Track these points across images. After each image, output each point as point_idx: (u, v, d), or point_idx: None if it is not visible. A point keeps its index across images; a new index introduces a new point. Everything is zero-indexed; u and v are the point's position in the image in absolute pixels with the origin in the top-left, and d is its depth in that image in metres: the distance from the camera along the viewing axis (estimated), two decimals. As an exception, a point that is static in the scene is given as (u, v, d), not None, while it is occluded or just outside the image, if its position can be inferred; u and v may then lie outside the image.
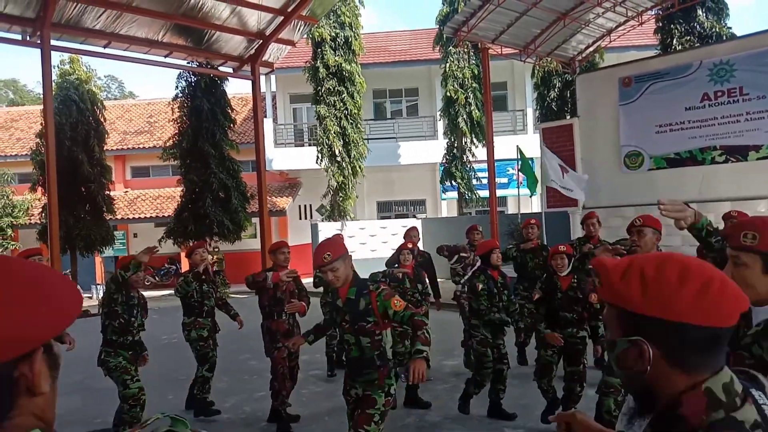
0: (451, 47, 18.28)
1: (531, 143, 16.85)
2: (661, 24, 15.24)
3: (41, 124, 17.02)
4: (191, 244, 16.46)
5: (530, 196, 13.62)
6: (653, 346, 0.99)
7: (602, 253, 4.81)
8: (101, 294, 19.03)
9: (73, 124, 16.26)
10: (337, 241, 3.61)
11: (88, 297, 19.46)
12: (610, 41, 14.64)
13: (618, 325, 1.04)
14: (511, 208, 21.34)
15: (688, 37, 14.62)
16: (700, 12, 14.48)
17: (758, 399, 0.98)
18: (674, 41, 14.75)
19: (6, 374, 0.73)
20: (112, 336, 5.00)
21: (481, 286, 5.38)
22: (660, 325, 0.98)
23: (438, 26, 18.89)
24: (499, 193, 16.93)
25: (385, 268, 6.63)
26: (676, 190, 12.27)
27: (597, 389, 4.50)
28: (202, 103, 16.86)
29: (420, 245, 7.69)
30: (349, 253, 3.50)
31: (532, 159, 13.49)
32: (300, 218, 22.27)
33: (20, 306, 0.74)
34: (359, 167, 18.67)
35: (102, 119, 17.56)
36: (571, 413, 1.28)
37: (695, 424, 0.94)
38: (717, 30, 14.46)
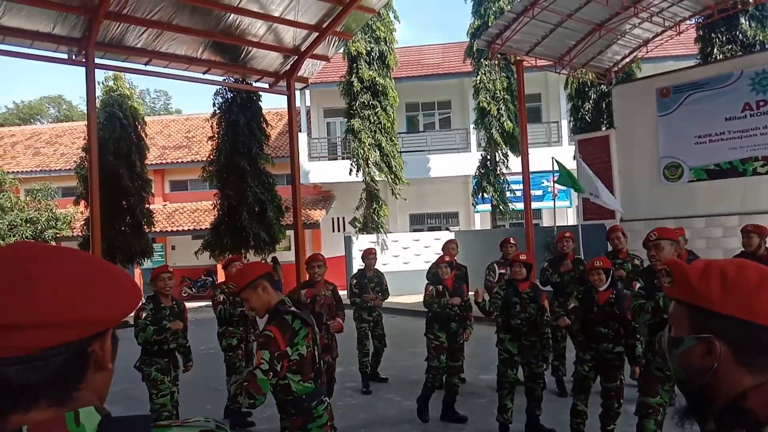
0: (483, 59, 18.27)
1: (566, 155, 16.67)
2: (701, 33, 14.96)
3: (85, 139, 17.60)
4: (228, 256, 16.77)
5: (581, 193, 13.12)
6: (723, 345, 1.02)
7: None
8: (140, 305, 19.46)
9: (116, 139, 16.75)
10: (246, 269, 3.13)
11: (128, 308, 19.91)
12: (647, 52, 14.44)
13: (688, 323, 1.07)
14: (546, 221, 21.10)
15: (730, 46, 14.31)
16: (742, 20, 14.18)
17: None
18: (715, 50, 14.45)
19: (83, 348, 0.81)
20: (146, 346, 5.13)
21: (495, 290, 5.46)
22: (735, 324, 1.01)
23: (469, 39, 18.91)
24: (534, 205, 16.76)
25: (427, 282, 6.61)
26: (717, 203, 12.00)
27: (636, 410, 4.41)
28: (238, 119, 17.19)
29: (456, 257, 7.66)
30: (262, 280, 2.99)
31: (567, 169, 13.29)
32: (333, 231, 22.42)
33: (101, 288, 0.82)
34: (397, 180, 18.73)
35: (143, 135, 18.05)
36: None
37: (761, 416, 0.97)
38: (761, 38, 14.13)
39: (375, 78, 18.15)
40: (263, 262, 19.60)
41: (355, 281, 7.68)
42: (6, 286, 0.76)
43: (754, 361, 1.01)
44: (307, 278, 5.92)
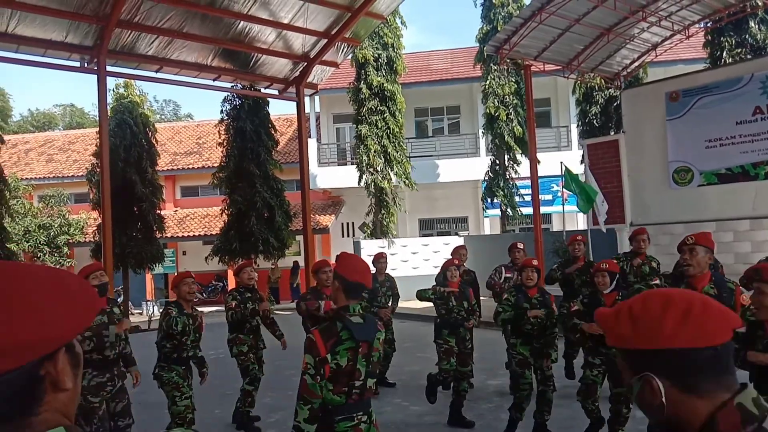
0: (492, 64, 18.30)
1: (575, 159, 16.64)
2: (710, 37, 14.91)
3: (97, 146, 17.80)
4: (238, 261, 16.85)
5: (584, 213, 13.16)
6: (661, 378, 1.02)
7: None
8: (151, 310, 19.60)
9: (127, 146, 16.92)
10: (353, 262, 3.06)
11: (139, 313, 20.06)
12: (656, 56, 14.39)
13: (627, 367, 1.09)
14: (556, 226, 21.03)
15: (740, 50, 14.24)
16: (752, 24, 14.11)
17: None
18: (724, 54, 14.39)
19: (33, 372, 0.78)
20: (165, 353, 5.12)
21: (505, 295, 5.44)
22: (656, 355, 1.03)
23: (478, 44, 18.95)
24: (544, 210, 16.71)
25: (435, 284, 6.64)
26: (728, 207, 11.91)
27: (648, 427, 4.39)
28: (246, 125, 17.32)
29: (465, 262, 7.67)
30: (342, 282, 2.92)
31: (577, 175, 13.27)
32: (343, 236, 22.47)
33: (42, 309, 0.78)
34: (405, 183, 18.76)
35: (154, 141, 18.22)
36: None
37: None
38: (771, 41, 14.07)
39: (383, 84, 18.23)
40: (271, 267, 19.74)
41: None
42: None
43: (698, 385, 1.01)
44: (315, 284, 5.95)
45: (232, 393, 6.95)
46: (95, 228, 18.14)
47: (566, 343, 6.87)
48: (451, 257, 6.89)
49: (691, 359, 1.01)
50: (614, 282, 4.94)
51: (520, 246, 7.62)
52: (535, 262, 5.47)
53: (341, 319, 2.81)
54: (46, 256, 20.15)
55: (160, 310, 21.12)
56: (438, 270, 8.00)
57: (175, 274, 21.88)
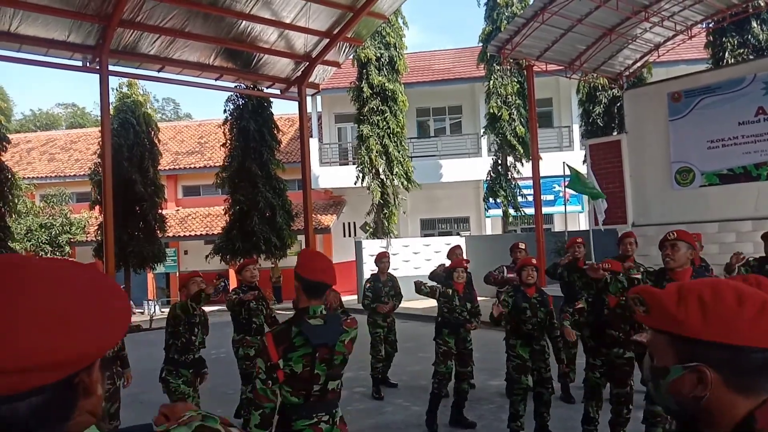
0: (495, 64, 18.28)
1: (577, 159, 16.62)
2: (712, 38, 14.89)
3: (99, 144, 17.81)
4: (240, 260, 16.85)
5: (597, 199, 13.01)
6: (713, 372, 0.98)
7: (590, 271, 4.73)
8: (152, 310, 19.62)
9: (130, 145, 16.95)
10: (315, 260, 2.99)
11: (140, 312, 20.08)
12: (659, 56, 14.37)
13: (671, 351, 1.02)
14: (557, 226, 21.02)
15: (742, 50, 14.22)
16: (754, 24, 14.09)
17: None
18: (726, 54, 14.37)
19: (67, 385, 0.79)
20: (174, 354, 5.05)
21: (503, 297, 5.40)
22: (721, 349, 0.97)
23: (481, 44, 18.94)
24: (546, 210, 16.70)
25: (430, 280, 6.61)
26: (731, 207, 11.90)
27: (643, 419, 4.39)
28: (249, 125, 17.33)
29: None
30: (300, 282, 2.85)
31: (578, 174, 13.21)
32: (344, 236, 22.48)
33: (88, 320, 0.79)
34: (404, 184, 18.74)
35: (156, 141, 18.23)
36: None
37: None
38: (773, 42, 14.05)
39: (385, 84, 18.21)
40: (272, 267, 19.75)
41: (368, 285, 7.67)
42: None
43: (746, 384, 0.98)
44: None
45: (233, 393, 6.96)
46: (97, 227, 18.17)
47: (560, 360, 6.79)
48: (448, 258, 6.88)
49: (753, 359, 0.96)
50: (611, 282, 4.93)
51: (522, 246, 7.60)
52: (534, 261, 5.47)
53: (298, 323, 2.68)
54: (48, 255, 20.18)
55: (162, 310, 21.14)
56: (434, 268, 8.02)
57: (177, 273, 21.93)
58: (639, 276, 5.38)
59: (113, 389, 4.77)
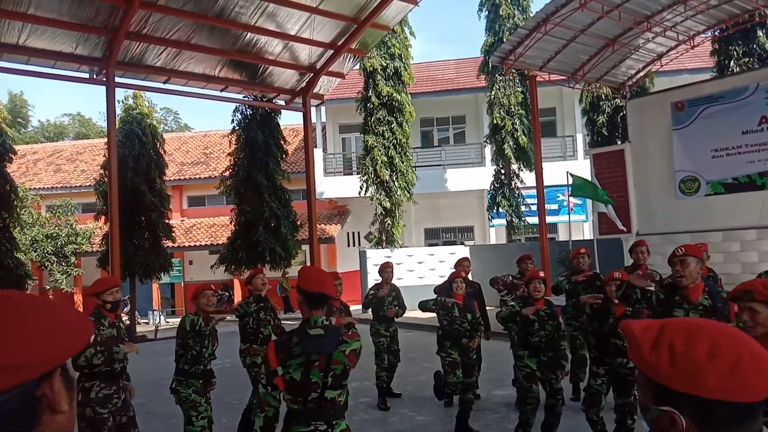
0: (497, 75, 18.36)
1: (581, 169, 16.64)
2: (717, 46, 14.93)
3: (105, 155, 17.93)
4: (246, 271, 16.86)
5: (608, 205, 12.90)
6: (685, 417, 0.99)
7: (636, 280, 4.69)
8: (157, 320, 19.66)
9: (136, 156, 17.06)
10: (317, 278, 3.18)
11: (145, 322, 20.12)
12: (662, 65, 14.42)
13: (650, 391, 1.04)
14: (562, 235, 21.01)
15: (747, 59, 14.26)
16: (760, 33, 14.13)
17: None
18: (732, 63, 14.40)
19: (30, 393, 0.82)
20: (184, 366, 5.05)
21: (512, 303, 5.46)
22: (690, 399, 0.98)
23: (483, 55, 19.03)
24: (550, 219, 16.69)
25: (435, 296, 6.65)
26: (735, 216, 11.88)
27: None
28: (256, 135, 17.43)
29: (470, 273, 7.68)
30: (303, 294, 3.05)
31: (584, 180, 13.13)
32: (348, 245, 22.51)
33: (38, 332, 0.83)
34: (407, 196, 18.82)
35: (162, 151, 18.35)
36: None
37: None
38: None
39: (392, 94, 18.30)
40: (285, 277, 19.78)
41: (372, 293, 7.69)
42: None
43: (718, 431, 0.98)
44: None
45: (238, 403, 6.97)
46: (102, 237, 18.25)
47: (573, 362, 6.80)
48: (454, 269, 6.89)
49: (724, 411, 0.97)
50: (621, 289, 4.94)
51: (531, 258, 7.57)
52: (541, 274, 5.47)
53: (299, 333, 2.83)
54: (54, 265, 20.27)
55: (167, 320, 21.14)
56: (442, 280, 8.03)
57: (182, 283, 21.98)
58: (653, 287, 5.41)
59: (121, 403, 4.79)
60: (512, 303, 5.49)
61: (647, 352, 1.03)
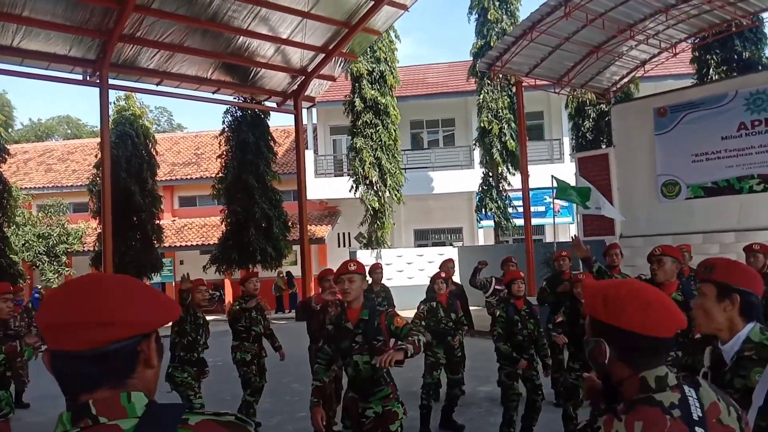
0: (486, 78, 18.67)
1: (567, 172, 16.95)
2: (697, 54, 15.33)
3: (96, 156, 18.03)
4: (236, 271, 17.02)
5: (587, 209, 13.16)
6: (611, 347, 1.36)
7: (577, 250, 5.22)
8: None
9: (128, 157, 17.19)
10: (362, 263, 3.84)
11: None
12: (645, 72, 14.79)
13: (590, 329, 1.43)
14: (548, 237, 21.34)
15: (725, 67, 14.66)
16: (737, 41, 14.53)
17: (686, 392, 1.34)
18: (710, 71, 14.80)
19: (134, 347, 1.06)
20: (180, 352, 5.45)
21: (498, 313, 5.56)
22: (614, 330, 1.35)
23: (472, 58, 19.34)
24: (536, 221, 17.02)
25: (426, 298, 6.89)
26: (714, 219, 12.24)
27: None
28: (247, 137, 17.60)
29: (456, 274, 7.93)
30: (368, 279, 3.73)
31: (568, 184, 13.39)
32: (339, 246, 22.72)
33: (148, 301, 1.08)
34: (396, 196, 19.08)
35: (154, 152, 18.48)
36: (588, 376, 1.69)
37: (627, 399, 1.33)
38: (756, 59, 14.48)
39: (377, 97, 18.54)
40: (281, 275, 19.97)
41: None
42: (83, 296, 1.04)
43: (634, 360, 1.34)
44: (321, 291, 6.29)
45: (230, 399, 7.19)
46: (95, 237, 18.34)
47: (555, 364, 7.02)
48: (439, 270, 7.15)
49: (638, 341, 1.32)
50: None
51: (514, 260, 7.84)
52: (522, 275, 5.75)
53: None
54: (45, 265, 20.33)
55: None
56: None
57: (173, 283, 22.08)
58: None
59: None
60: (499, 313, 5.62)
61: (591, 296, 1.43)
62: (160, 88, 15.08)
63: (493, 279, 8.07)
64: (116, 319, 1.03)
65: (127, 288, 1.09)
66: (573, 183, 14.24)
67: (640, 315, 1.33)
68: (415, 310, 6.48)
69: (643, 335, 1.33)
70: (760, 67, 14.10)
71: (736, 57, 14.70)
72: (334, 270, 6.40)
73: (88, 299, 1.04)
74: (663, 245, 4.51)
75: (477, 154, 21.14)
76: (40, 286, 19.35)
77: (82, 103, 69.26)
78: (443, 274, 6.63)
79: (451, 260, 7.71)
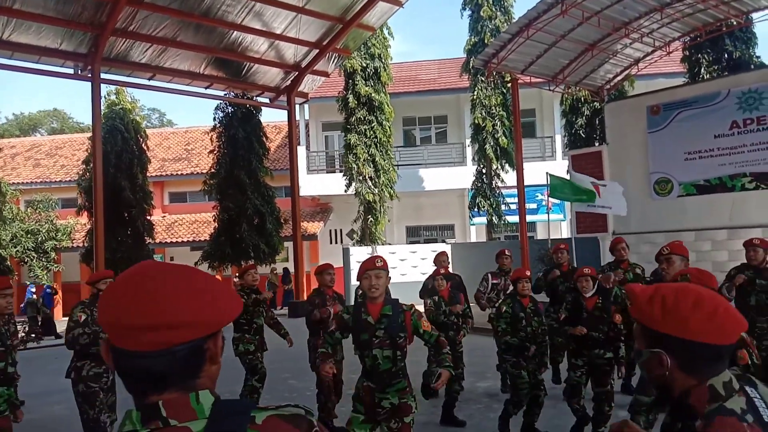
0: (479, 76, 18.68)
1: (560, 169, 17.04)
2: (688, 53, 15.44)
3: (86, 151, 17.84)
4: (229, 267, 16.90)
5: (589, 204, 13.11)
6: (670, 357, 1.28)
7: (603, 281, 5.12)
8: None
9: (118, 152, 17.02)
10: (386, 260, 3.90)
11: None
12: (639, 70, 14.87)
13: (644, 338, 1.34)
14: (540, 234, 21.45)
15: (716, 66, 14.77)
16: (727, 41, 14.65)
17: (750, 393, 1.29)
18: (702, 70, 14.92)
19: (201, 345, 1.03)
20: None
21: (504, 309, 5.58)
22: (676, 341, 1.27)
23: (465, 55, 19.34)
24: (529, 218, 17.05)
25: (421, 295, 6.90)
26: (707, 217, 12.34)
27: (629, 407, 4.70)
28: (238, 133, 17.49)
29: (449, 268, 7.93)
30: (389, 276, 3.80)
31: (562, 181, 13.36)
32: (331, 243, 22.68)
33: (214, 298, 1.04)
34: (389, 193, 19.07)
35: (145, 147, 18.31)
36: (624, 421, 1.54)
37: (699, 411, 1.26)
38: (746, 58, 14.60)
39: (371, 94, 18.51)
40: (273, 272, 19.87)
41: (361, 292, 7.89)
42: (149, 295, 1.00)
43: (697, 370, 1.27)
44: (317, 285, 6.26)
45: (228, 395, 7.13)
46: (84, 233, 18.15)
47: (552, 348, 7.12)
48: (435, 265, 7.18)
49: (701, 351, 1.26)
50: (596, 285, 5.26)
51: (508, 253, 7.87)
52: (528, 273, 5.75)
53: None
54: (34, 261, 20.10)
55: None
56: (425, 277, 8.29)
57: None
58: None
59: (111, 381, 5.08)
60: (505, 309, 5.62)
61: (644, 304, 1.32)
62: (152, 82, 14.96)
63: (489, 275, 8.08)
64: (184, 321, 1.00)
65: (192, 284, 1.04)
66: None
67: (706, 324, 1.26)
68: (422, 306, 6.47)
69: (710, 344, 1.26)
70: (752, 66, 14.22)
71: (726, 56, 14.82)
72: (333, 265, 6.47)
73: (156, 299, 0.99)
74: (671, 243, 4.51)
75: (469, 151, 21.18)
76: (29, 282, 19.15)
77: (70, 96, 68.53)
78: (442, 271, 6.64)
79: (444, 253, 7.70)
